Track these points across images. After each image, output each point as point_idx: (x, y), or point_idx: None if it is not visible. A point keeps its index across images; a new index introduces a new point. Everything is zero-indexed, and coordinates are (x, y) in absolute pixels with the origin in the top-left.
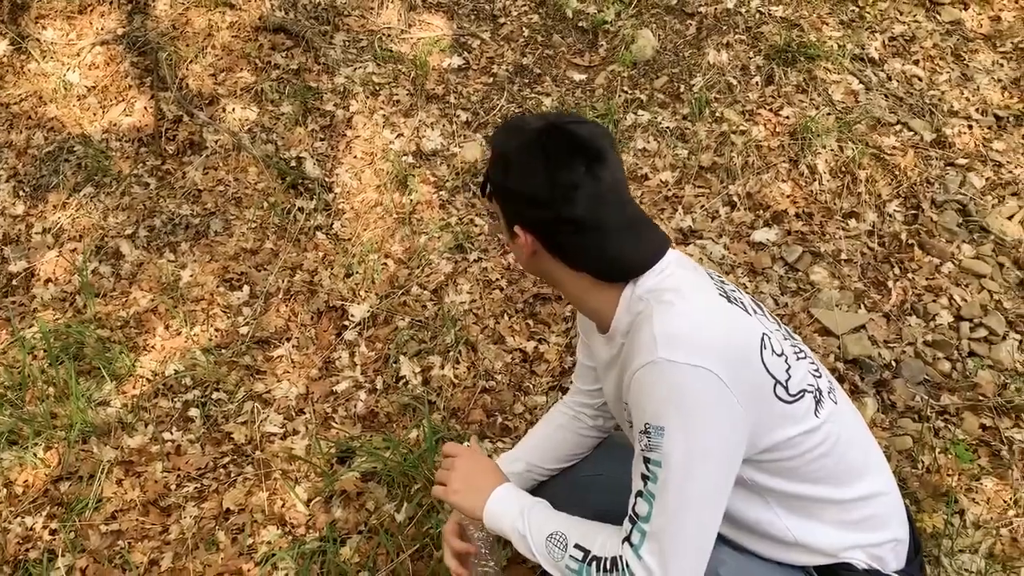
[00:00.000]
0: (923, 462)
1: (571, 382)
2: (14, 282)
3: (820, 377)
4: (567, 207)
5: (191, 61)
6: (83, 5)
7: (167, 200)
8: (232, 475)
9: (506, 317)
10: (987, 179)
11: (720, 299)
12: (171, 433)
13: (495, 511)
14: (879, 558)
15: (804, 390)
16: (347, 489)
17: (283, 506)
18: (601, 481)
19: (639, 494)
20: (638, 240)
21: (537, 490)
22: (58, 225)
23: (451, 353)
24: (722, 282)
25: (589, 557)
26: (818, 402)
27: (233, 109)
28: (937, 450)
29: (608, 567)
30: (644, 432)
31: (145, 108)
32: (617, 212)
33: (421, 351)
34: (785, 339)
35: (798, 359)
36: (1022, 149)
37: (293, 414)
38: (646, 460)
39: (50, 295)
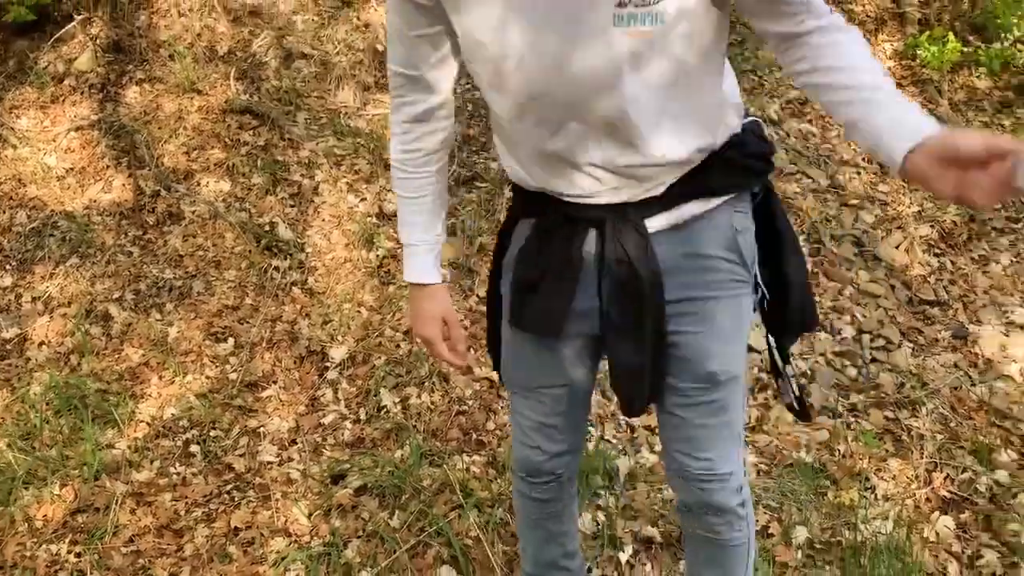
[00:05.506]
0: (839, 450)
1: (394, 104)
2: (8, 347)
3: None
4: None
5: (165, 141)
6: (55, 95)
7: (150, 266)
8: (236, 499)
9: (472, 351)
10: (876, 216)
11: None
12: (175, 468)
13: None
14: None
15: None
16: (343, 503)
17: (286, 521)
18: None
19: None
20: None
21: None
22: (47, 293)
23: (426, 383)
24: None
25: None
26: None
27: (207, 183)
28: (850, 439)
29: None
30: None
31: (124, 185)
32: None
33: (399, 384)
34: None
35: None
36: (903, 190)
37: (287, 444)
38: None
39: (44, 356)
